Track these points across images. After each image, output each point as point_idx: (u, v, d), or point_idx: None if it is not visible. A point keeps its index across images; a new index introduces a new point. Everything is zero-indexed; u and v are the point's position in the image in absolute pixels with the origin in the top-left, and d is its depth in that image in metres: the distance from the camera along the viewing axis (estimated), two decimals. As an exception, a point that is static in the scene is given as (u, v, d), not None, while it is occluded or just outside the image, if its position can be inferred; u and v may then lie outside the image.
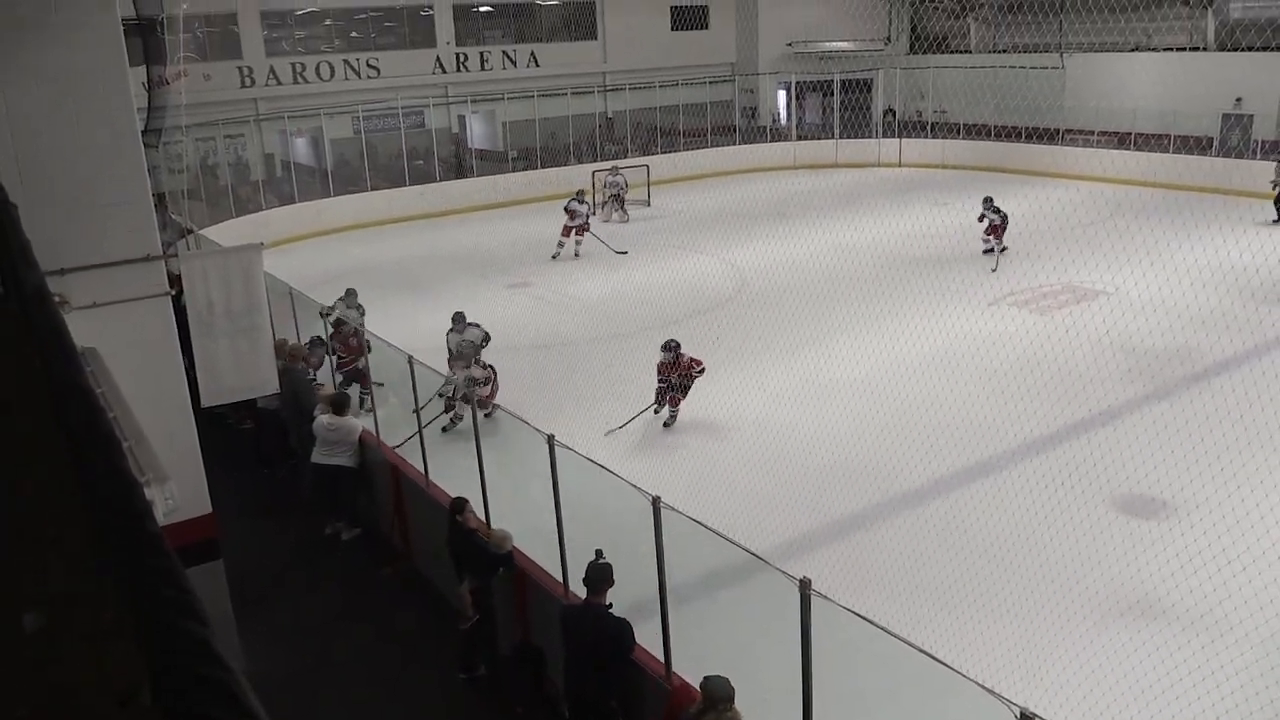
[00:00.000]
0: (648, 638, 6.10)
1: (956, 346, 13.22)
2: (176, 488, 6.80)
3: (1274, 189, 20.99)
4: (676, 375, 11.42)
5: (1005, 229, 18.52)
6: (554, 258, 20.70)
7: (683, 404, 11.57)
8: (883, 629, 4.85)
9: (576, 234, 20.91)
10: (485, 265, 20.22)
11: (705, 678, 4.93)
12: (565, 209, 21.10)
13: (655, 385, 11.66)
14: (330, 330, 11.96)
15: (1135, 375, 12.36)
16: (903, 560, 7.36)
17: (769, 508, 9.26)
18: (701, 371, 11.46)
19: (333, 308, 12.28)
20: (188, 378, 7.82)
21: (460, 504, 7.58)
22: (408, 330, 13.18)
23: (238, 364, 8.30)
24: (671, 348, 11.50)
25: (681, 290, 16.95)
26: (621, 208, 24.78)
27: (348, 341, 12.08)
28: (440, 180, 27.24)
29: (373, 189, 26.16)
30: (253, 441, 11.87)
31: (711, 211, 22.28)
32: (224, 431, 12.01)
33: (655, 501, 5.60)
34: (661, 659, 5.92)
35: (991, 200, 18.69)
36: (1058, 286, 16.42)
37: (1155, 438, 9.59)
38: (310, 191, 25.80)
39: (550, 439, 6.61)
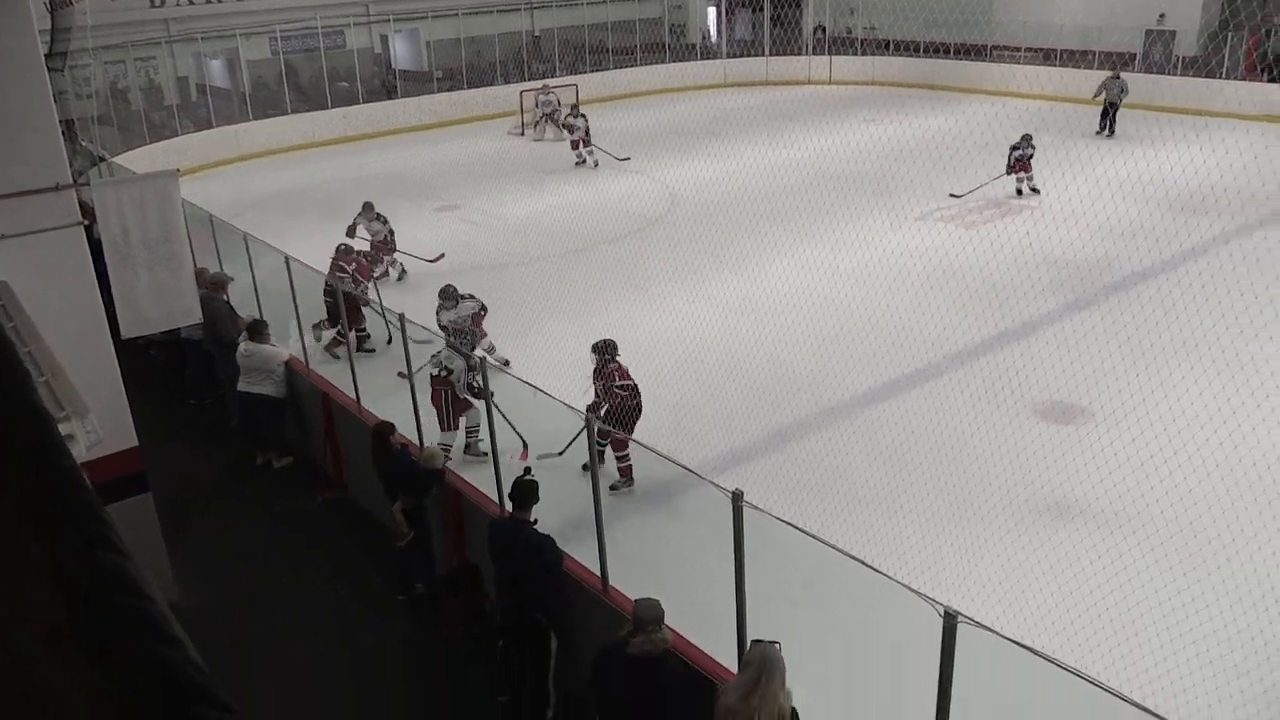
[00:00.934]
0: (585, 554, 6.18)
1: (885, 261, 13.38)
2: (99, 421, 6.65)
3: (1095, 98, 21.73)
4: (602, 385, 8.42)
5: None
6: (578, 165, 21.25)
7: (630, 458, 8.24)
8: (814, 537, 4.96)
9: (584, 146, 21.27)
10: (412, 189, 19.83)
11: (635, 601, 5.01)
12: (563, 125, 22.06)
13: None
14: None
15: (1057, 286, 12.63)
16: (835, 470, 7.52)
17: (703, 423, 9.36)
18: (627, 391, 8.26)
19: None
20: (107, 310, 7.60)
21: (387, 427, 7.53)
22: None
23: (157, 294, 8.08)
24: (599, 349, 8.53)
25: (613, 210, 16.83)
26: (557, 126, 24.46)
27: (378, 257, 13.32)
28: (364, 102, 26.50)
29: (293, 112, 25.37)
30: (178, 372, 11.62)
31: (642, 130, 22.06)
32: (148, 363, 11.75)
33: (588, 418, 5.61)
34: (598, 574, 6.00)
35: (1030, 138, 16.92)
36: (983, 201, 16.61)
37: (1075, 346, 9.87)
38: (227, 115, 24.93)
39: (481, 361, 6.58)
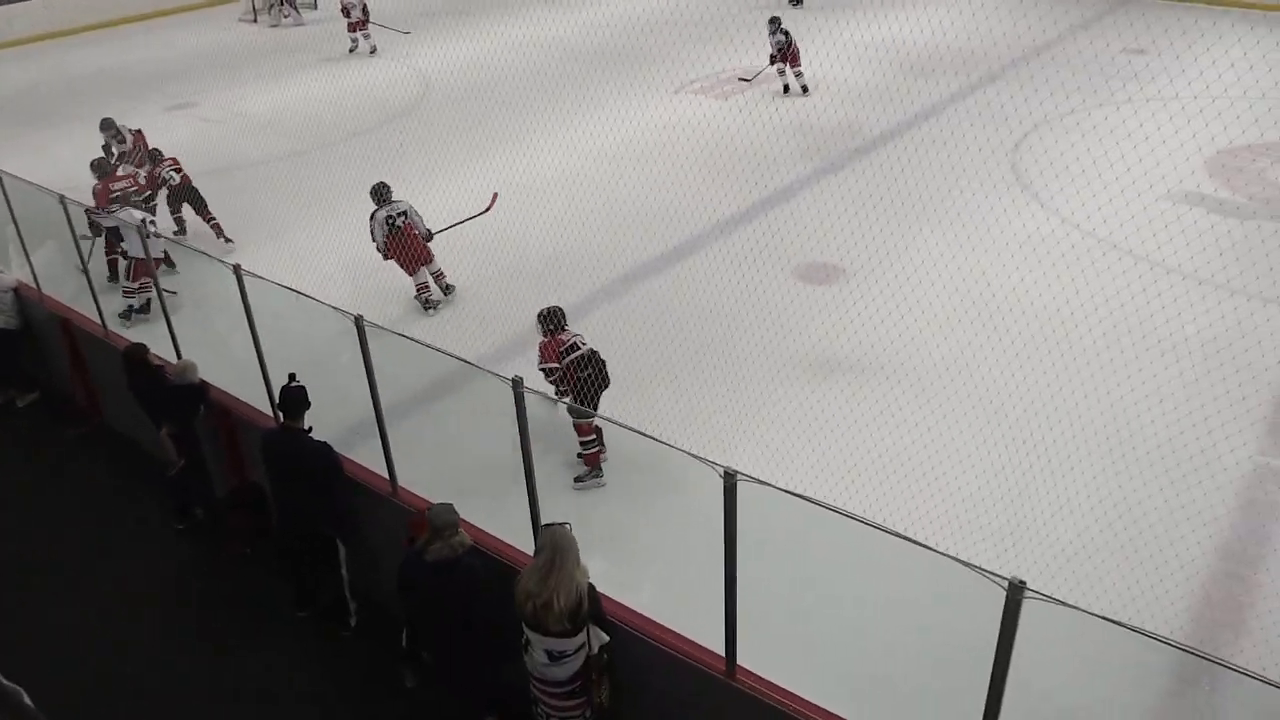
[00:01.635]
0: (370, 459, 6.09)
1: (645, 136, 13.52)
2: None
3: None
4: (559, 365, 7.04)
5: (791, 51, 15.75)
6: (351, 52, 19.75)
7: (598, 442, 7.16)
8: (595, 415, 5.10)
9: (361, 30, 19.68)
10: (138, 86, 18.15)
11: (429, 507, 5.02)
12: (342, 9, 19.95)
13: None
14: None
15: (807, 152, 13.17)
16: (609, 347, 7.66)
17: (477, 315, 9.31)
18: (583, 362, 7.02)
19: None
20: None
21: (139, 349, 7.05)
22: (49, 170, 11.73)
23: None
24: (544, 319, 7.18)
25: (363, 98, 16.07)
26: (294, 9, 22.86)
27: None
28: (66, -9, 23.76)
29: (-18, 5, 22.47)
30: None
31: (386, 11, 20.95)
32: None
33: (358, 320, 5.47)
34: (386, 476, 5.94)
35: (779, 21, 15.82)
36: (735, 70, 16.94)
37: (826, 209, 10.40)
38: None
39: (236, 268, 6.23)
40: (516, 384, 4.70)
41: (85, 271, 8.47)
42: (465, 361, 5.28)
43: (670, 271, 10.09)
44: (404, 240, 9.56)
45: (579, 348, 7.05)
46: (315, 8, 23.75)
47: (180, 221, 11.47)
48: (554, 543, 4.43)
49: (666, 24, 18.97)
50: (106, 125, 11.92)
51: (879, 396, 7.56)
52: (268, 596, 6.55)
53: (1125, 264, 9.39)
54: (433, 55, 18.05)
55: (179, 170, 11.29)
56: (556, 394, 7.06)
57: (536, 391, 4.80)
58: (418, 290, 9.75)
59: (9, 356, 8.95)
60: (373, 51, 19.66)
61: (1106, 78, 14.32)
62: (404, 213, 9.63)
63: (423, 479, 5.98)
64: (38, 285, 8.95)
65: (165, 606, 6.67)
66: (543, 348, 7.10)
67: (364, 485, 6.04)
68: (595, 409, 6.91)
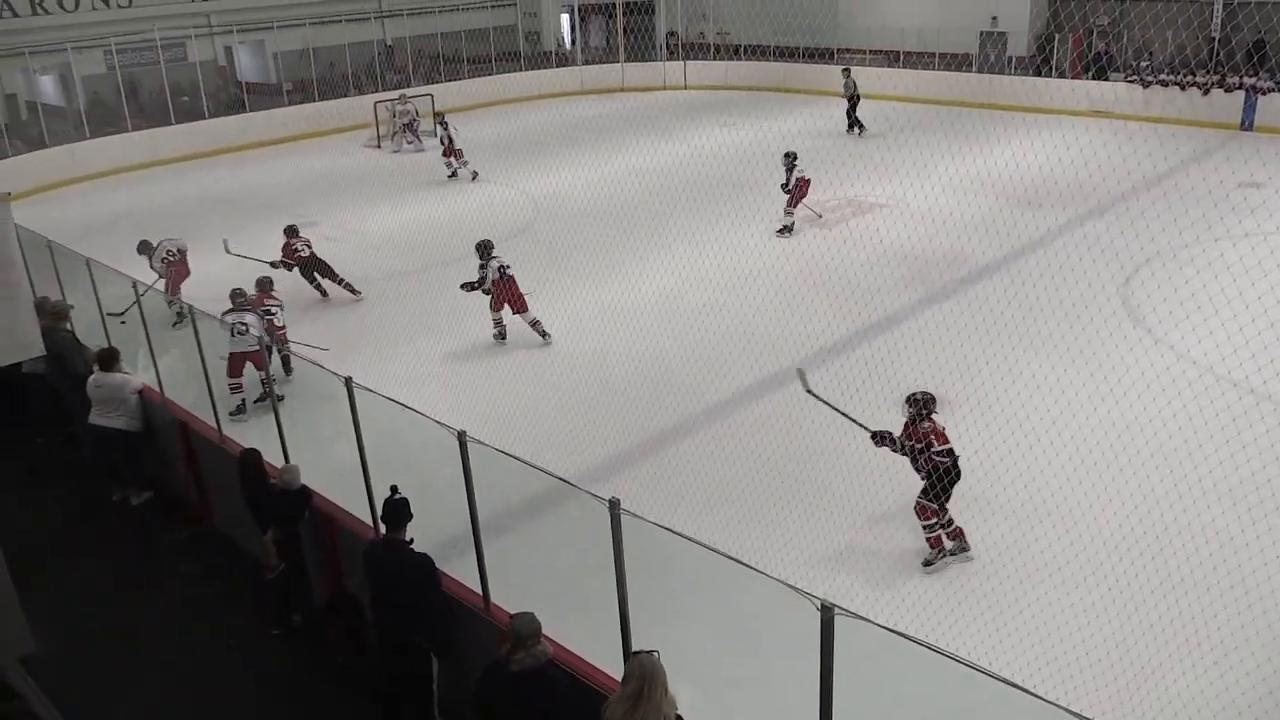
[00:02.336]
0: (465, 573, 6.11)
1: (749, 262, 13.68)
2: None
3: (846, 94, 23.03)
4: (913, 446, 7.42)
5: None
6: (450, 178, 20.80)
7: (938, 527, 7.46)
8: (691, 539, 5.04)
9: (458, 156, 20.89)
10: (267, 206, 19.24)
11: (512, 616, 4.99)
12: (414, 131, 22.35)
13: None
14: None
15: (911, 281, 13.14)
16: (708, 472, 7.65)
17: (577, 432, 9.39)
18: (946, 456, 7.28)
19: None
20: (-64, 346, 7.12)
21: (253, 454, 7.29)
22: (186, 282, 12.44)
23: (-6, 327, 7.60)
24: (912, 402, 7.52)
25: (475, 221, 16.66)
26: (416, 136, 24.13)
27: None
28: (210, 117, 25.54)
29: (135, 129, 24.25)
30: (21, 410, 10.95)
31: (500, 139, 21.94)
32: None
33: (460, 436, 5.56)
34: (480, 592, 5.94)
35: (794, 156, 16.01)
36: (839, 201, 17.14)
37: (930, 338, 10.29)
38: (62, 134, 23.68)
39: (348, 381, 6.44)
40: (613, 505, 4.69)
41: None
42: (563, 480, 5.31)
43: (769, 398, 10.05)
44: (509, 287, 11.72)
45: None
46: (434, 135, 25.00)
47: (320, 289, 13.68)
48: (643, 671, 4.33)
49: (769, 154, 19.38)
50: (143, 248, 13.15)
51: (986, 532, 7.32)
52: (361, 708, 6.53)
53: (1246, 403, 9.01)
54: (543, 181, 18.77)
55: (309, 246, 13.40)
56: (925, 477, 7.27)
57: (633, 514, 4.78)
58: (495, 324, 11.97)
59: (129, 456, 9.32)
60: (474, 177, 20.50)
61: (1222, 213, 14.03)
62: (509, 265, 11.87)
63: (516, 596, 5.96)
64: (161, 389, 9.38)
65: (260, 710, 6.70)
66: (939, 430, 7.26)
67: (458, 600, 6.04)
68: (948, 499, 7.24)
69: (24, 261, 7.93)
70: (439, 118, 22.53)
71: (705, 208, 16.31)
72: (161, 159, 23.88)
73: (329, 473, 7.42)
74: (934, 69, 26.39)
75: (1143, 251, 13.04)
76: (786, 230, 15.76)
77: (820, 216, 16.30)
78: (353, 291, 13.80)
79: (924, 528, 7.35)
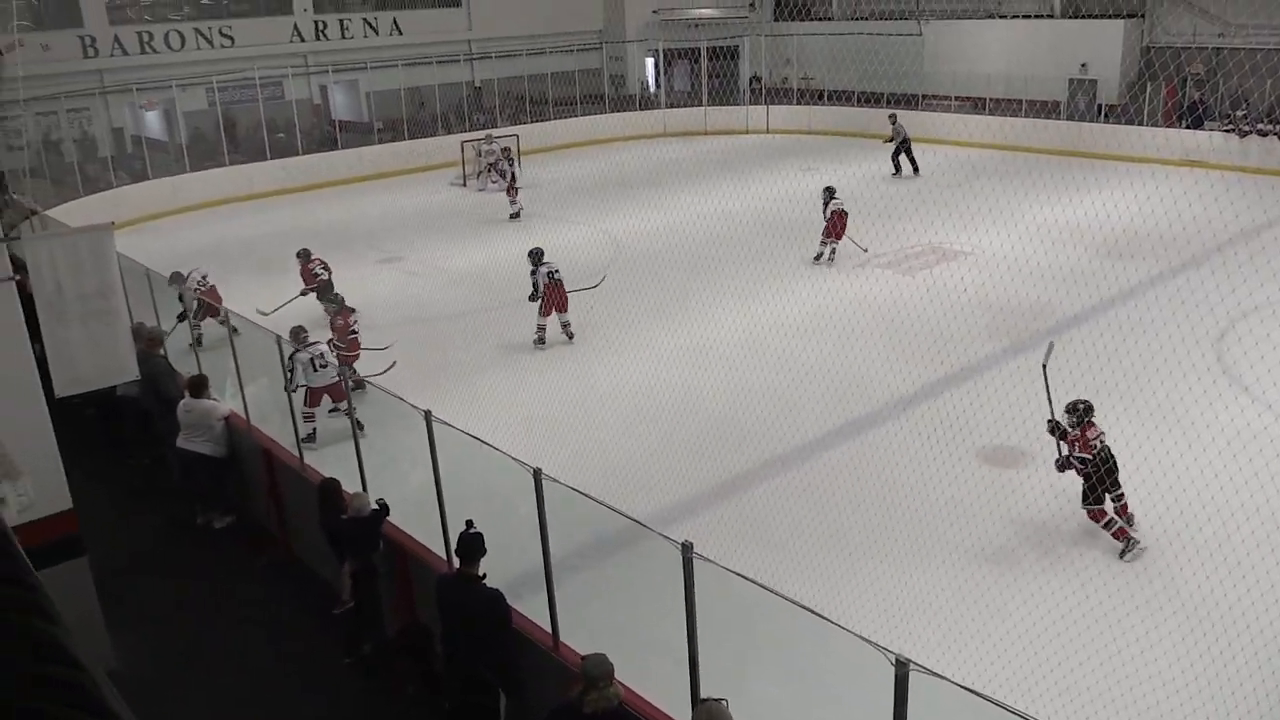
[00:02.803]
0: (535, 610, 6.11)
1: (827, 308, 13.58)
2: (31, 484, 6.47)
3: (891, 142, 23.54)
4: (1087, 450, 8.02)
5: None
6: (513, 218, 21.05)
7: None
8: (764, 587, 4.97)
9: (513, 192, 21.28)
10: (354, 241, 19.72)
11: (584, 658, 4.96)
12: (498, 170, 22.29)
13: None
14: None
15: (994, 330, 12.90)
16: (783, 518, 7.56)
17: (651, 473, 9.36)
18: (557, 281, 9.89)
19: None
20: (40, 368, 7.41)
21: (331, 484, 7.42)
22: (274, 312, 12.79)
23: (93, 351, 7.88)
24: (1071, 410, 8.25)
25: (556, 260, 16.87)
26: (500, 175, 24.57)
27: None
28: (303, 154, 26.36)
29: (231, 164, 25.14)
30: (115, 432, 11.34)
31: (583, 181, 22.21)
32: (83, 422, 11.44)
33: (536, 474, 5.58)
34: (549, 631, 5.93)
35: (832, 191, 16.77)
36: (921, 247, 16.96)
37: (1013, 390, 10.05)
38: (164, 167, 24.65)
39: (427, 414, 6.52)
40: (686, 548, 4.66)
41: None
42: (636, 522, 5.29)
43: (847, 445, 9.92)
44: (557, 290, 12.96)
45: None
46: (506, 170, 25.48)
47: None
48: None
49: (852, 199, 19.27)
50: (175, 279, 12.96)
51: (1068, 594, 7.09)
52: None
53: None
54: (624, 221, 18.92)
55: (327, 269, 14.20)
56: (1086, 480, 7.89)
57: (705, 558, 4.73)
58: (537, 329, 12.93)
59: (214, 481, 9.56)
60: (513, 217, 20.93)
61: (1324, 268, 13.53)
62: (558, 269, 13.05)
63: (585, 636, 5.94)
64: (247, 417, 9.62)
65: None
66: (1084, 440, 7.95)
67: (527, 637, 6.04)
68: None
69: (123, 289, 8.25)
70: (505, 153, 23.07)
71: (785, 251, 16.27)
72: (255, 193, 24.68)
73: (407, 505, 7.51)
74: (1021, 115, 26.05)
75: (1239, 306, 12.62)
76: (819, 259, 16.48)
77: (865, 250, 16.43)
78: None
79: (1104, 528, 7.80)
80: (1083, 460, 7.85)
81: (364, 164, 26.69)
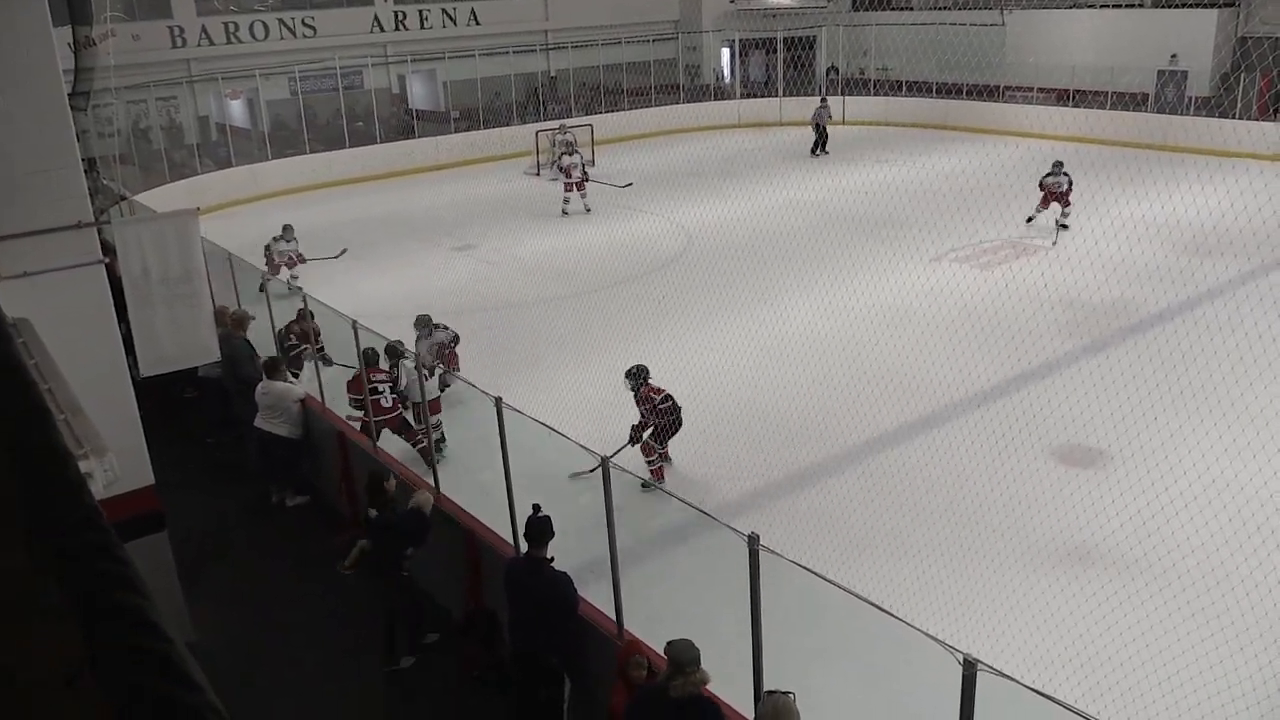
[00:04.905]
0: (601, 597, 6.15)
1: (902, 302, 13.39)
2: (116, 460, 6.66)
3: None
4: (647, 408, 9.22)
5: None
6: (564, 213, 20.75)
7: (664, 465, 9.34)
8: (831, 582, 4.93)
9: (579, 189, 20.88)
10: (429, 228, 19.98)
11: (669, 643, 4.96)
12: (560, 167, 21.44)
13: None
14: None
15: (1074, 328, 12.60)
16: (851, 513, 7.49)
17: (719, 465, 9.35)
18: (669, 405, 9.24)
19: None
20: (126, 347, 7.65)
21: (384, 473, 7.48)
22: (349, 296, 13.01)
23: (177, 332, 8.12)
24: (631, 375, 9.42)
25: (627, 250, 16.90)
26: (563, 172, 24.67)
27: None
28: (381, 142, 26.78)
29: (311, 152, 25.65)
30: (195, 411, 11.67)
31: (656, 170, 22.19)
32: (167, 401, 11.79)
33: (604, 461, 5.61)
34: (613, 617, 5.96)
35: (1061, 165, 17.36)
36: (999, 242, 16.63)
37: (1093, 389, 9.82)
38: (247, 155, 25.24)
39: (498, 401, 6.59)
40: (752, 540, 4.64)
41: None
42: (703, 512, 5.29)
43: (919, 440, 9.78)
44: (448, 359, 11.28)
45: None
46: (593, 164, 25.50)
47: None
48: (775, 713, 4.26)
49: (924, 192, 18.97)
50: (424, 324, 11.63)
51: (1144, 599, 6.89)
52: (488, 722, 6.64)
53: None
54: (696, 212, 18.87)
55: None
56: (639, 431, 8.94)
57: (772, 551, 4.71)
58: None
59: (288, 461, 9.77)
60: (587, 211, 20.62)
61: None
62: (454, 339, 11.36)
63: (650, 625, 5.95)
64: (323, 400, 9.81)
65: (392, 717, 6.88)
66: (656, 388, 9.19)
67: (592, 624, 6.08)
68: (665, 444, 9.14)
69: (207, 272, 8.48)
70: (567, 146, 22.62)
71: (857, 244, 16.09)
72: (335, 180, 25.13)
73: (475, 491, 7.60)
74: (1106, 108, 25.35)
75: (1333, 306, 12.15)
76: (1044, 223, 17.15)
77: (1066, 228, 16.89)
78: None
79: (647, 462, 9.03)
80: (666, 400, 9.13)
81: (440, 153, 27.03)
